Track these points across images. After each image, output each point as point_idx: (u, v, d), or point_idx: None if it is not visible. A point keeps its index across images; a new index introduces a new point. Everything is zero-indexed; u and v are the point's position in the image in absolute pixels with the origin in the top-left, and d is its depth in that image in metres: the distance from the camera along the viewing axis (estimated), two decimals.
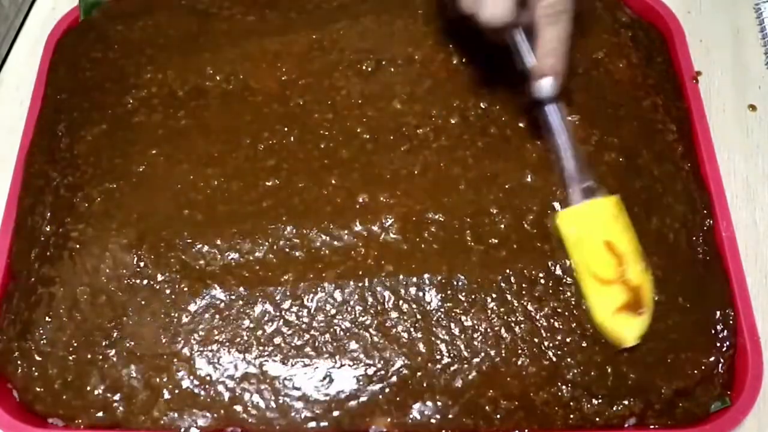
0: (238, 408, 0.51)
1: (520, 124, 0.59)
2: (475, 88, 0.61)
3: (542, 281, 0.53)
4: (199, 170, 0.58)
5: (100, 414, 0.52)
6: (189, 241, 0.55)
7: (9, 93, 0.70)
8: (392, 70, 0.62)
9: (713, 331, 0.54)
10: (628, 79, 0.62)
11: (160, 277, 0.54)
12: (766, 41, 0.69)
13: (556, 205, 0.55)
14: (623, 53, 0.63)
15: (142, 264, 0.54)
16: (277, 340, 0.53)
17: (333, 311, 0.53)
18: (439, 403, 0.51)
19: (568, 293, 0.53)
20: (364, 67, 0.62)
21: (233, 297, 0.54)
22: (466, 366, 0.52)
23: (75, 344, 0.53)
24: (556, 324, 0.52)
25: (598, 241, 0.52)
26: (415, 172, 0.57)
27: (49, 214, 0.58)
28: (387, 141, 0.59)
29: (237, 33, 0.65)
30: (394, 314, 0.53)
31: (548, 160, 0.57)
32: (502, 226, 0.55)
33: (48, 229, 0.57)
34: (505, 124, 0.59)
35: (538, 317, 0.53)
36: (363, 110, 0.60)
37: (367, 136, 0.59)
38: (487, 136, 0.59)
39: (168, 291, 0.54)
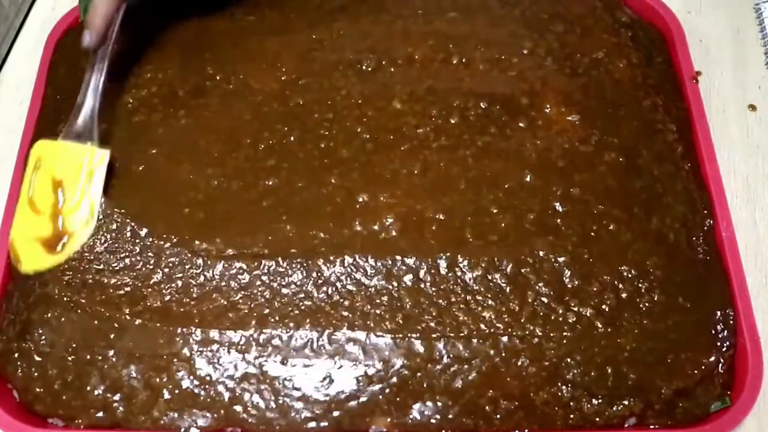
0: (238, 408, 0.51)
1: (521, 124, 0.59)
2: (475, 88, 0.61)
3: (542, 280, 0.53)
4: (200, 169, 0.58)
5: (100, 414, 0.52)
6: (188, 239, 0.55)
7: (9, 93, 0.70)
8: (392, 70, 0.62)
9: (713, 331, 0.54)
10: (628, 79, 0.62)
11: (160, 277, 0.54)
12: (766, 41, 0.69)
13: (557, 205, 0.55)
14: (623, 53, 0.63)
15: (141, 262, 0.55)
16: (277, 340, 0.53)
17: (333, 311, 0.53)
18: (439, 403, 0.51)
19: (568, 293, 0.53)
20: (364, 67, 0.62)
21: (233, 296, 0.54)
22: (465, 366, 0.52)
23: (74, 345, 0.53)
24: (556, 324, 0.52)
25: (50, 175, 0.55)
26: (415, 172, 0.57)
27: None
28: (387, 141, 0.59)
29: (237, 33, 0.65)
30: (394, 314, 0.53)
31: (548, 160, 0.57)
32: (503, 224, 0.55)
33: None
34: (505, 124, 0.59)
35: (537, 317, 0.53)
36: (363, 110, 0.60)
37: (367, 136, 0.59)
38: (487, 136, 0.59)
39: (168, 290, 0.54)
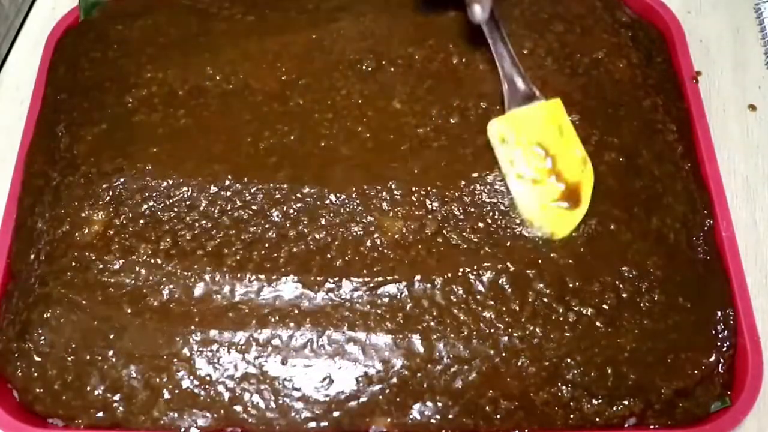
0: (238, 408, 0.51)
1: None
2: (475, 88, 0.61)
3: (541, 281, 0.53)
4: (200, 169, 0.58)
5: (100, 414, 0.52)
6: (189, 239, 0.55)
7: (9, 93, 0.70)
8: (392, 70, 0.62)
9: (713, 331, 0.54)
10: (628, 79, 0.62)
11: (160, 276, 0.54)
12: (766, 41, 0.69)
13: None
14: (623, 53, 0.63)
15: (141, 263, 0.55)
16: (277, 340, 0.53)
17: (333, 311, 0.53)
18: (439, 403, 0.51)
19: (569, 293, 0.53)
20: (364, 67, 0.62)
21: (234, 296, 0.54)
22: (466, 366, 0.52)
23: (74, 345, 0.53)
24: (556, 324, 0.52)
25: (527, 143, 0.56)
26: (415, 171, 0.57)
27: (47, 214, 0.58)
28: (387, 140, 0.59)
29: (237, 33, 0.65)
30: (394, 314, 0.53)
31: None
32: (503, 224, 0.55)
33: (47, 229, 0.57)
34: None
35: (537, 317, 0.53)
36: (363, 110, 0.60)
37: (368, 135, 0.59)
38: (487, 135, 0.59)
39: (168, 290, 0.54)
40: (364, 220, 0.56)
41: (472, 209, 0.56)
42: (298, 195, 0.56)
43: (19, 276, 0.57)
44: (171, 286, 0.54)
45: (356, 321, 0.53)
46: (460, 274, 0.54)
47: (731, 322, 0.54)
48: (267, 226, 0.56)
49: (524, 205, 0.55)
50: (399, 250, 0.55)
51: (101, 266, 0.55)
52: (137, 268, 0.54)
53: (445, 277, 0.53)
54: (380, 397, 0.51)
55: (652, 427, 0.52)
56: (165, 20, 0.66)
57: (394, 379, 0.52)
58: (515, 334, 0.52)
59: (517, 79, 0.58)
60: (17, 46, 0.73)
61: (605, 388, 0.51)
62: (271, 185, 0.57)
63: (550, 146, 0.56)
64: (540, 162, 0.55)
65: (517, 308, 0.53)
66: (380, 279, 0.54)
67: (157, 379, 0.52)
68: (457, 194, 0.56)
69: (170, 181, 0.57)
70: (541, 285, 0.53)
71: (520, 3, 0.66)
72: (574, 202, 0.55)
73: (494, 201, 0.56)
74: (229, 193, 0.57)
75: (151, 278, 0.54)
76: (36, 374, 0.53)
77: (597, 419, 0.51)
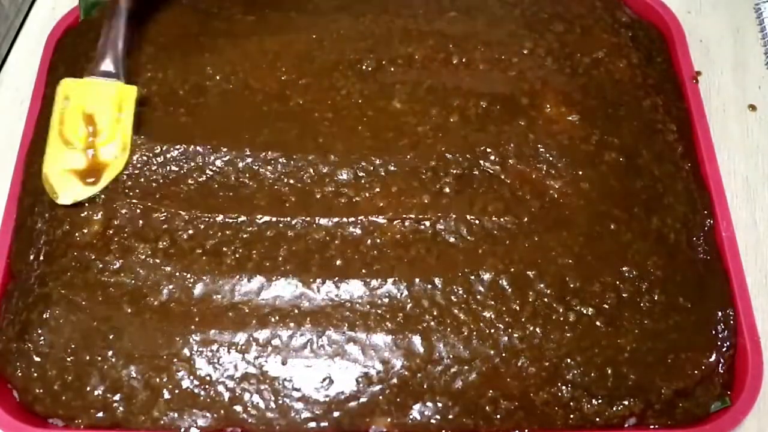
0: (238, 408, 0.51)
1: (521, 123, 0.59)
2: (475, 88, 0.61)
3: (541, 281, 0.53)
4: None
5: (100, 414, 0.52)
6: (186, 239, 0.55)
7: (9, 93, 0.70)
8: (392, 70, 0.62)
9: (713, 331, 0.54)
10: (628, 79, 0.62)
11: (159, 276, 0.54)
12: (766, 41, 0.69)
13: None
14: (623, 53, 0.63)
15: (140, 262, 0.55)
16: (277, 340, 0.53)
17: (333, 311, 0.53)
18: (439, 404, 0.51)
19: (569, 293, 0.53)
20: (364, 67, 0.62)
21: (233, 295, 0.54)
22: (466, 366, 0.52)
23: (74, 345, 0.53)
24: (556, 324, 0.52)
25: (80, 110, 0.57)
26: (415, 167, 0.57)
27: (47, 214, 0.58)
28: (387, 140, 0.59)
29: (237, 33, 0.65)
30: (394, 314, 0.53)
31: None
32: (503, 224, 0.55)
33: (46, 229, 0.57)
34: (505, 123, 0.59)
35: (537, 317, 0.53)
36: (363, 110, 0.60)
37: (368, 135, 0.59)
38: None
39: (167, 290, 0.54)
40: (365, 220, 0.56)
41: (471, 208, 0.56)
42: (297, 193, 0.57)
43: (19, 276, 0.57)
44: (171, 286, 0.54)
45: (356, 321, 0.53)
46: (460, 273, 0.54)
47: (731, 322, 0.54)
48: (265, 224, 0.56)
49: (48, 161, 0.57)
50: (399, 249, 0.55)
51: (101, 266, 0.55)
52: (137, 268, 0.54)
53: (446, 276, 0.53)
54: (380, 397, 0.51)
55: (652, 427, 0.52)
56: (165, 20, 0.66)
57: (394, 379, 0.52)
58: (515, 334, 0.52)
59: (109, 55, 0.59)
60: (17, 46, 0.73)
61: (605, 388, 0.51)
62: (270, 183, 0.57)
63: (100, 123, 0.57)
64: (84, 132, 0.57)
65: (518, 308, 0.53)
66: (380, 278, 0.54)
67: (157, 379, 0.52)
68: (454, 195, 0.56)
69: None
70: (542, 285, 0.53)
71: (520, 3, 0.66)
72: (93, 180, 0.56)
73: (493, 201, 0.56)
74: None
75: (150, 278, 0.54)
76: (36, 374, 0.53)
77: (597, 419, 0.51)
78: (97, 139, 0.57)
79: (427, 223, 0.55)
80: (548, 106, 0.60)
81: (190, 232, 0.56)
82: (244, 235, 0.55)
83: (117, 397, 0.52)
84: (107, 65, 0.59)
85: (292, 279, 0.54)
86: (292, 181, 0.57)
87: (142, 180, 0.57)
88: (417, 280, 0.53)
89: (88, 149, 0.57)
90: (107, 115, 0.57)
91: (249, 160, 0.57)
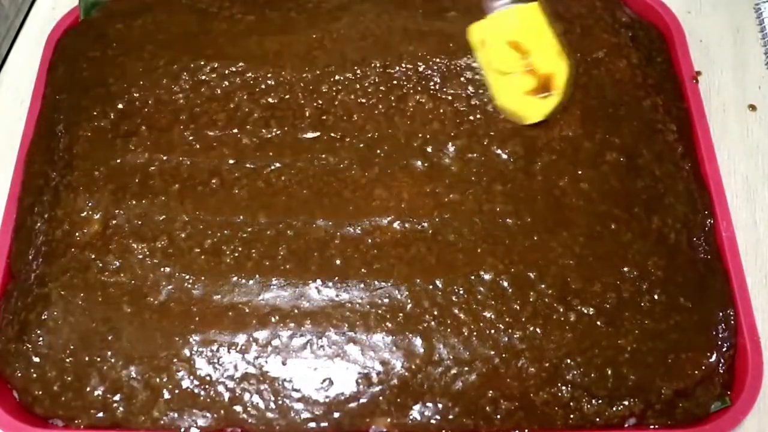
0: (238, 408, 0.51)
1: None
2: (480, 85, 0.61)
3: (542, 281, 0.53)
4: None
5: (101, 414, 0.52)
6: (183, 237, 0.55)
7: (9, 93, 0.70)
8: (393, 68, 0.62)
9: (714, 332, 0.54)
10: (628, 79, 0.62)
11: (159, 275, 0.54)
12: (766, 41, 0.69)
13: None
14: (623, 53, 0.63)
15: (139, 262, 0.55)
16: (277, 341, 0.53)
17: (332, 311, 0.53)
18: (439, 404, 0.51)
19: (570, 293, 0.53)
20: (364, 67, 0.62)
21: (233, 295, 0.54)
22: (466, 366, 0.52)
23: (73, 345, 0.53)
24: (557, 324, 0.52)
25: (502, 41, 0.59)
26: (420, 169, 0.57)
27: (47, 214, 0.58)
28: (388, 136, 0.59)
29: (237, 32, 0.65)
30: (394, 314, 0.53)
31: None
32: (502, 224, 0.55)
33: (45, 229, 0.57)
34: (503, 121, 0.59)
35: (538, 317, 0.53)
36: (363, 109, 0.60)
37: (368, 133, 0.59)
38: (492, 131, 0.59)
39: (166, 290, 0.54)
40: (365, 220, 0.56)
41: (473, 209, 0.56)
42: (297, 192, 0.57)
43: (19, 276, 0.57)
44: (170, 287, 0.54)
45: (356, 321, 0.53)
46: (460, 273, 0.54)
47: (732, 322, 0.54)
48: (264, 223, 0.56)
49: (499, 95, 0.59)
50: (399, 248, 0.55)
51: (101, 265, 0.55)
52: (136, 268, 0.54)
53: (446, 276, 0.53)
54: (380, 397, 0.51)
55: (652, 427, 0.52)
56: (165, 20, 0.66)
57: (394, 379, 0.52)
58: (516, 335, 0.52)
59: None
60: (17, 46, 0.73)
61: (605, 389, 0.51)
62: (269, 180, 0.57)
63: (525, 43, 0.59)
64: (515, 58, 0.58)
65: (518, 308, 0.53)
66: (380, 278, 0.54)
67: (157, 379, 0.52)
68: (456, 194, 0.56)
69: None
70: (542, 285, 0.53)
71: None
72: (547, 91, 0.58)
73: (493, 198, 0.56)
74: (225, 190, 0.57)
75: (150, 278, 0.54)
76: (35, 375, 0.53)
77: (597, 419, 0.51)
78: (531, 58, 0.58)
79: (427, 223, 0.55)
80: None
81: (189, 231, 0.56)
82: (244, 235, 0.55)
83: (117, 397, 0.52)
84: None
85: (292, 278, 0.54)
86: (292, 179, 0.57)
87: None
88: (417, 279, 0.53)
89: (527, 69, 0.58)
90: (527, 35, 0.59)
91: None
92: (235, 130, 0.59)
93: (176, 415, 0.51)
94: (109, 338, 0.53)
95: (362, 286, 0.54)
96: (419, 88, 0.61)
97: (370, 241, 0.55)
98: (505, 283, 0.53)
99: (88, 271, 0.55)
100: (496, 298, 0.53)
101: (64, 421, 0.52)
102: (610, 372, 0.51)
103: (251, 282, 0.54)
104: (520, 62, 0.58)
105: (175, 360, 0.52)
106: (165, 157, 0.59)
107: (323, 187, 0.57)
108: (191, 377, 0.52)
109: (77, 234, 0.56)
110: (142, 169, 0.58)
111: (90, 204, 0.57)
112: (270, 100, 0.61)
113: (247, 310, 0.53)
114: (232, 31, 0.65)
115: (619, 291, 0.53)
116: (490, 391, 0.51)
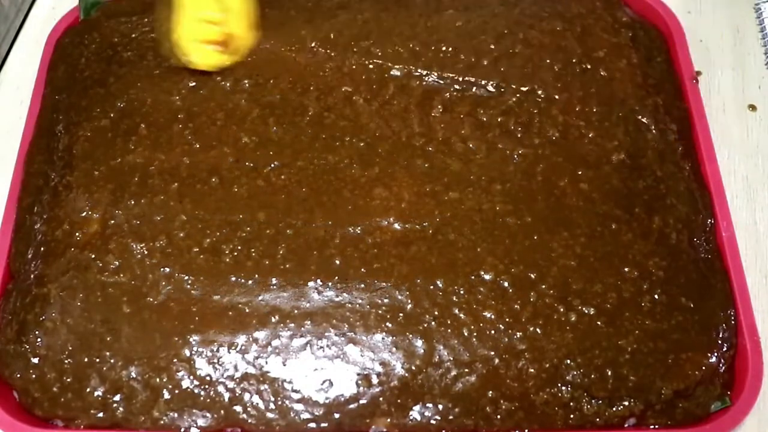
0: (238, 408, 0.51)
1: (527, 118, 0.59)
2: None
3: (543, 281, 0.53)
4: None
5: (101, 414, 0.52)
6: (182, 236, 0.55)
7: (9, 93, 0.70)
8: (393, 68, 0.62)
9: (714, 332, 0.53)
10: (628, 79, 0.62)
11: (158, 275, 0.54)
12: (766, 41, 0.69)
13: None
14: (623, 53, 0.63)
15: (138, 262, 0.55)
16: (277, 341, 0.53)
17: (332, 311, 0.53)
18: (439, 404, 0.51)
19: (571, 294, 0.53)
20: (364, 66, 0.62)
21: (233, 294, 0.54)
22: (466, 368, 0.52)
23: (73, 346, 0.53)
24: (557, 324, 0.52)
25: None
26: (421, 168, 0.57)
27: (46, 214, 0.58)
28: (388, 135, 0.59)
29: None
30: (394, 314, 0.53)
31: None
32: (503, 224, 0.55)
33: (45, 229, 0.57)
34: (505, 123, 0.59)
35: (538, 317, 0.53)
36: (364, 108, 0.60)
37: (368, 132, 0.59)
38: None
39: (166, 290, 0.54)
40: (365, 219, 0.56)
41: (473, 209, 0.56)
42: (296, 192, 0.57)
43: (18, 276, 0.57)
44: (169, 287, 0.54)
45: (356, 321, 0.53)
46: (460, 273, 0.53)
47: (732, 322, 0.54)
48: (263, 222, 0.56)
49: (181, 31, 0.60)
50: (399, 248, 0.55)
51: (100, 265, 0.55)
52: (135, 268, 0.54)
53: (446, 276, 0.53)
54: (380, 398, 0.51)
55: (652, 427, 0.52)
56: None
57: (395, 380, 0.51)
58: (516, 335, 0.52)
59: None
60: (17, 46, 0.73)
61: (605, 389, 0.51)
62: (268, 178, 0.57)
63: (229, 2, 0.61)
64: (212, 8, 0.60)
65: (518, 308, 0.53)
66: (380, 278, 0.54)
67: (157, 379, 0.52)
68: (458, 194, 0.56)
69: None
70: (543, 285, 0.53)
71: (520, 2, 0.66)
72: (225, 48, 0.60)
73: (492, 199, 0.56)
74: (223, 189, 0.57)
75: (149, 277, 0.54)
76: (34, 376, 0.53)
77: (597, 419, 0.51)
78: (229, 14, 0.60)
79: (427, 222, 0.55)
80: None
81: (188, 230, 0.56)
82: (243, 234, 0.55)
83: (117, 397, 0.52)
84: None
85: (292, 278, 0.54)
86: (292, 178, 0.57)
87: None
88: (417, 279, 0.53)
89: (219, 23, 0.60)
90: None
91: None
92: (235, 129, 0.59)
93: (176, 415, 0.51)
94: (109, 338, 0.53)
95: (362, 285, 0.54)
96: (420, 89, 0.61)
97: (370, 240, 0.55)
98: (506, 283, 0.53)
99: (87, 271, 0.54)
100: (496, 298, 0.53)
101: (64, 421, 0.52)
102: (610, 372, 0.51)
103: (251, 282, 0.54)
104: (213, 15, 0.60)
105: (174, 360, 0.52)
106: (164, 156, 0.58)
107: (323, 186, 0.57)
108: (191, 377, 0.52)
109: (76, 234, 0.56)
110: (141, 169, 0.58)
111: (89, 204, 0.57)
112: (269, 98, 0.61)
113: (246, 310, 0.53)
114: None
115: (619, 291, 0.53)
116: (490, 392, 0.51)
